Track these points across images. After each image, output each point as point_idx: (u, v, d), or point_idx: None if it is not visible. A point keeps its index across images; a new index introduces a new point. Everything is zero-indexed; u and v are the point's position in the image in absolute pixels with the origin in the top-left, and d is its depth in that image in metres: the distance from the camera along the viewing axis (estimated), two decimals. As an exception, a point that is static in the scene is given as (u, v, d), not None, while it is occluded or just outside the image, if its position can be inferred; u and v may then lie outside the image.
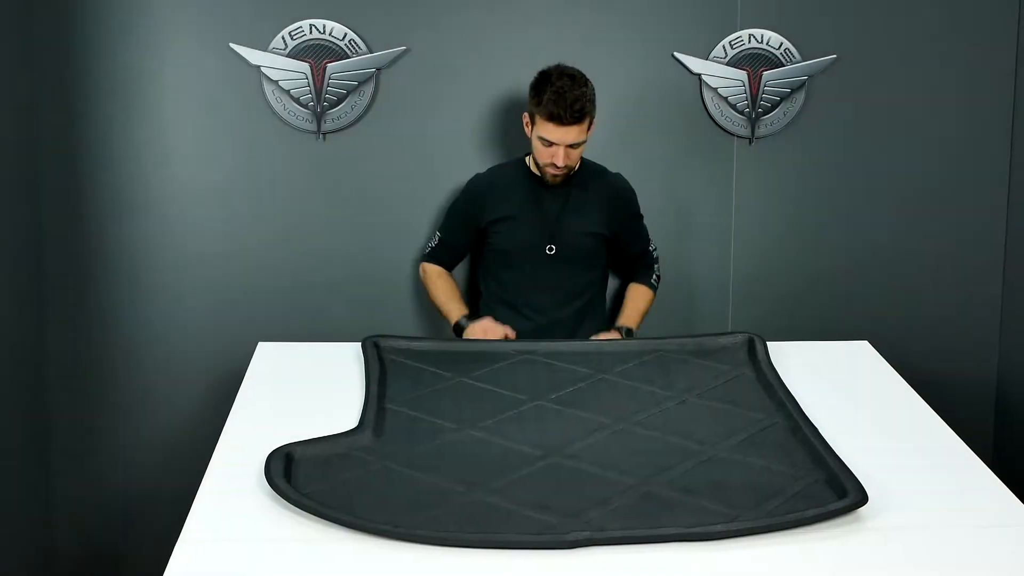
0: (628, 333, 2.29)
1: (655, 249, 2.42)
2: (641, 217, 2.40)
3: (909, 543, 1.45)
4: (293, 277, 2.48)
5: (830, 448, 1.66)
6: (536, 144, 2.20)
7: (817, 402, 1.91)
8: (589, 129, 2.20)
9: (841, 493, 1.52)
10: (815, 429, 1.73)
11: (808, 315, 2.61)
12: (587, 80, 2.18)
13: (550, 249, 2.28)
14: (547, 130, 2.15)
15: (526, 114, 2.22)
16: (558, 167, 2.19)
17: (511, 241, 2.30)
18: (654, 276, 2.40)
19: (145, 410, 2.50)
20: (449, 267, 2.42)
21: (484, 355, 2.08)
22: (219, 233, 2.45)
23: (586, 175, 2.32)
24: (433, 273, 2.38)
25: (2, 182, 2.24)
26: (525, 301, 2.31)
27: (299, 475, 1.57)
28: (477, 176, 2.37)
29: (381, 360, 2.03)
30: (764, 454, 1.67)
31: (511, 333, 2.21)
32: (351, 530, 1.43)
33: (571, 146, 2.17)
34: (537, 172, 2.28)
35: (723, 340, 2.16)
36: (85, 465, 2.50)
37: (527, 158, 2.32)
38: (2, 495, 2.23)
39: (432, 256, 2.39)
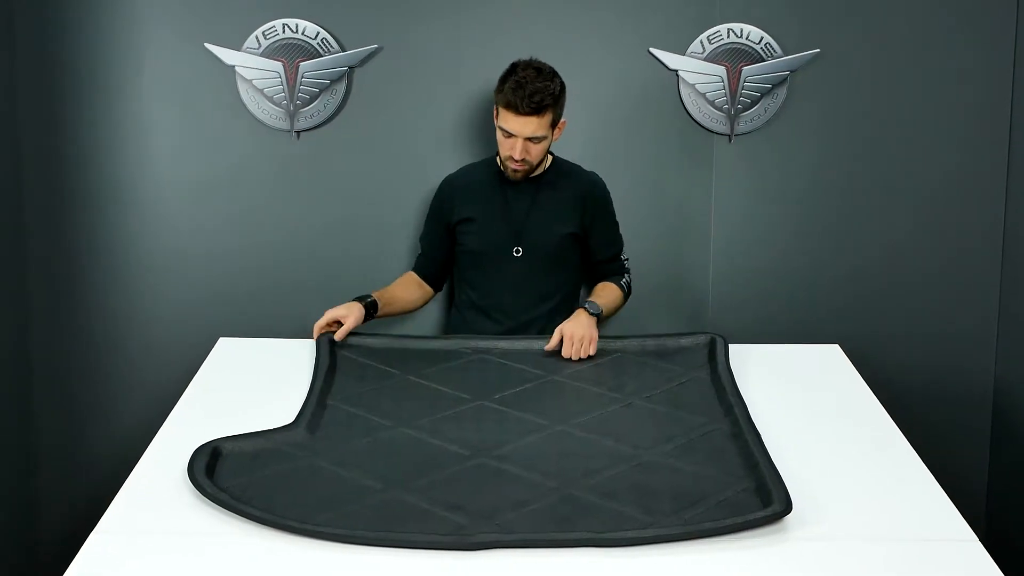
0: (596, 313, 2.12)
1: (627, 259, 2.36)
2: (615, 222, 2.34)
3: (830, 555, 1.40)
4: (267, 274, 2.50)
5: (767, 455, 1.61)
6: (498, 134, 2.17)
7: (774, 406, 1.86)
8: (554, 127, 2.16)
9: (768, 502, 1.47)
10: (757, 435, 1.68)
11: (789, 317, 2.54)
12: (556, 76, 2.15)
13: (517, 251, 2.25)
14: (506, 119, 2.12)
15: (495, 106, 2.20)
16: (516, 160, 2.15)
17: (478, 242, 2.27)
18: (623, 280, 2.32)
19: (127, 403, 2.54)
20: (433, 279, 2.34)
21: (437, 353, 2.07)
22: (196, 230, 2.48)
23: (557, 174, 2.28)
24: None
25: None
26: (494, 303, 2.28)
27: (223, 470, 1.58)
28: (448, 177, 2.35)
29: (333, 355, 2.04)
30: (698, 460, 1.63)
31: (340, 321, 2.09)
32: (262, 525, 1.44)
33: (531, 140, 2.13)
34: (506, 173, 2.25)
35: (684, 340, 2.12)
36: (68, 456, 2.54)
37: (498, 157, 2.29)
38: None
39: (415, 268, 2.35)
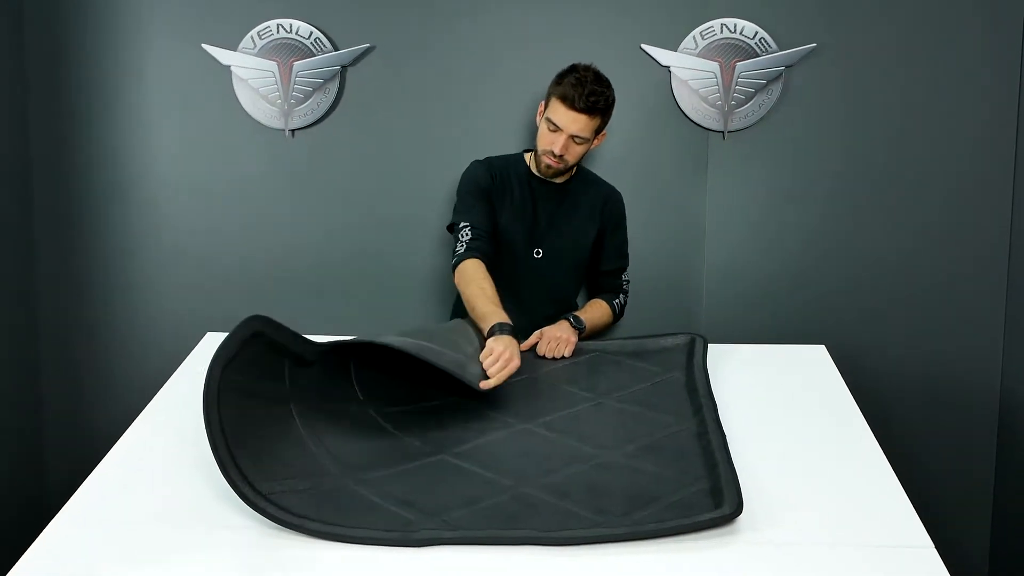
0: (577, 323, 2.13)
1: (628, 281, 2.35)
2: (626, 239, 2.34)
3: (778, 558, 1.37)
4: (262, 269, 2.54)
5: (728, 457, 1.58)
6: (542, 128, 2.17)
7: (750, 406, 1.83)
8: (597, 134, 2.17)
9: (720, 503, 1.45)
10: (722, 436, 1.66)
11: (783, 316, 2.49)
12: (611, 87, 2.15)
13: (537, 253, 2.25)
14: (557, 111, 2.12)
15: (542, 102, 2.19)
16: (555, 155, 2.14)
17: (501, 237, 2.23)
18: (617, 300, 2.30)
19: (129, 396, 2.60)
20: (491, 252, 2.16)
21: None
22: (192, 227, 2.54)
23: (581, 182, 2.29)
24: (468, 270, 2.08)
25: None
26: (503, 302, 2.27)
27: (241, 360, 1.52)
28: (487, 159, 2.28)
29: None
30: (659, 460, 1.61)
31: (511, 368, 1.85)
32: (220, 470, 1.44)
33: (574, 138, 2.13)
34: (536, 172, 2.24)
35: (665, 341, 2.10)
36: (71, 437, 2.62)
37: (527, 155, 2.29)
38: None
39: (469, 251, 2.11)
